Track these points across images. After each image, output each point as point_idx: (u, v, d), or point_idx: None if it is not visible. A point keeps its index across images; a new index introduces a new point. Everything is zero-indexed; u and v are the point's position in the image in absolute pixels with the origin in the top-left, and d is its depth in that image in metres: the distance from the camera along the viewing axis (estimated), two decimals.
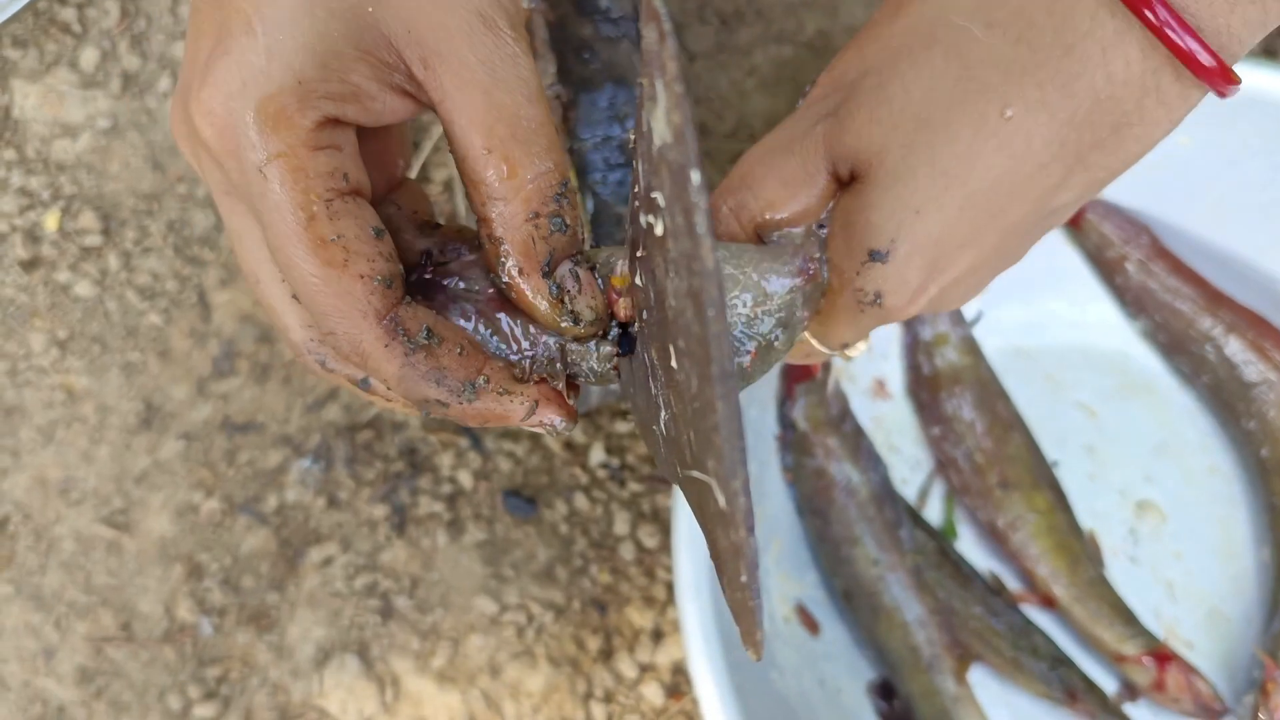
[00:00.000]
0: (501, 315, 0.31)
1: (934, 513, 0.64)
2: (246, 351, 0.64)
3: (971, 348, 0.65)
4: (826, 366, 0.63)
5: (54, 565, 0.61)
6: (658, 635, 0.62)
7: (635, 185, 0.26)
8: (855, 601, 0.60)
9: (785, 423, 0.61)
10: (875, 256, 0.30)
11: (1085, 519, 0.64)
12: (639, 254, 0.26)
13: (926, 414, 0.65)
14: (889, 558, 0.60)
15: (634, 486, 0.64)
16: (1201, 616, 0.63)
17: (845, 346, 0.34)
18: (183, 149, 0.30)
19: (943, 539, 0.63)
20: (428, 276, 0.31)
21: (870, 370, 0.65)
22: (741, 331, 0.30)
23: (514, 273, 0.29)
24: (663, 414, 0.29)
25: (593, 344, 0.30)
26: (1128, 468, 0.66)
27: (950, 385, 0.64)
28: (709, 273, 0.19)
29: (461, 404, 0.30)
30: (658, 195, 0.22)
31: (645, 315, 0.28)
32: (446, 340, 0.29)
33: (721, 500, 0.21)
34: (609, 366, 0.31)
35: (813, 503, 0.61)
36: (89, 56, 0.66)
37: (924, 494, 0.65)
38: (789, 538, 0.62)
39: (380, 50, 0.28)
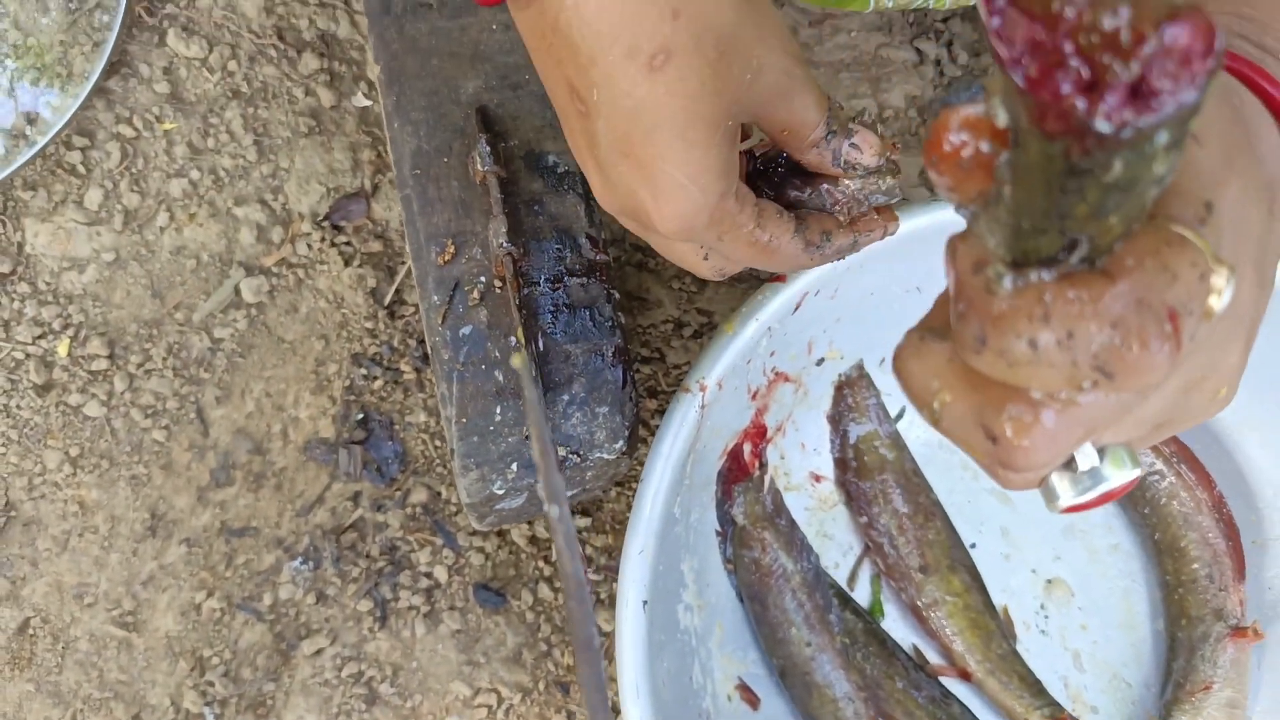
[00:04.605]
0: (824, 186, 0.48)
1: (863, 593, 0.71)
2: (241, 463, 0.71)
3: (897, 443, 0.72)
4: (763, 465, 0.70)
5: (70, 664, 0.68)
6: (616, 713, 0.69)
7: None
8: (790, 679, 0.68)
9: (724, 520, 0.68)
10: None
11: (1000, 595, 0.71)
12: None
13: (855, 504, 0.72)
14: (820, 640, 0.67)
15: (591, 576, 0.71)
16: (1105, 683, 0.71)
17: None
18: (631, 228, 0.47)
19: (870, 618, 0.70)
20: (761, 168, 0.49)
21: (805, 465, 0.72)
22: None
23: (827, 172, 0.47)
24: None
25: (876, 182, 0.47)
26: (1039, 548, 0.73)
27: (876, 477, 0.72)
28: (583, 597, 0.27)
29: (829, 248, 0.48)
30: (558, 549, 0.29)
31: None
32: (811, 226, 0.47)
33: None
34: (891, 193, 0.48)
35: (751, 590, 0.69)
36: (93, 196, 0.73)
37: (854, 576, 0.72)
38: (731, 621, 0.69)
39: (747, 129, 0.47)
